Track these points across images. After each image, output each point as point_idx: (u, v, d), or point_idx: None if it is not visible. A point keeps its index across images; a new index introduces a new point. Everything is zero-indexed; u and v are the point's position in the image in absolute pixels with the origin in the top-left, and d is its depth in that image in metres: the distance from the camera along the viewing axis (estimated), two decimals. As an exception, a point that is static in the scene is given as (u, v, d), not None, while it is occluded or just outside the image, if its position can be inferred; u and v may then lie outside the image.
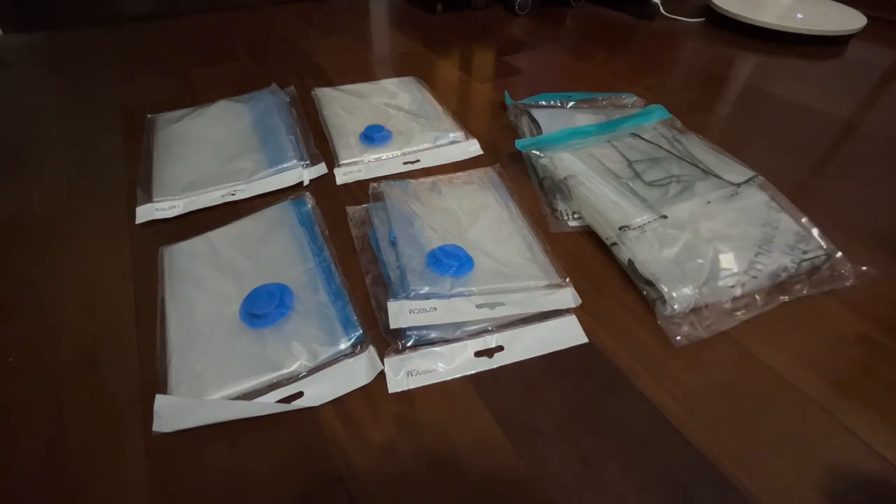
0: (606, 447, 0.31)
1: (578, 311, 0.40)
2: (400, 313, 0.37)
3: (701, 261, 0.40)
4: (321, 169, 0.55)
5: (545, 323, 0.39)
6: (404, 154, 0.58)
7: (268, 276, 0.40)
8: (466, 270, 0.41)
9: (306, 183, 0.53)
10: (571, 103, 0.67)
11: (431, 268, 0.40)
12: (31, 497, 0.29)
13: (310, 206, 0.48)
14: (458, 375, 0.35)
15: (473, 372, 0.36)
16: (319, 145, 0.59)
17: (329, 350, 0.35)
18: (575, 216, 0.49)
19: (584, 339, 0.38)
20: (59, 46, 0.84)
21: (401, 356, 0.36)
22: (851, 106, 0.74)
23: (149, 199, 0.49)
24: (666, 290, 0.39)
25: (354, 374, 0.35)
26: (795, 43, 0.93)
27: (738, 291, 0.40)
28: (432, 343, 0.37)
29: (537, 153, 0.54)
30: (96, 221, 0.48)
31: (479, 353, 0.37)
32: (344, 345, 0.36)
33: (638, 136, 0.57)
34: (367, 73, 0.78)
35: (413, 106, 0.66)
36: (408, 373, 0.35)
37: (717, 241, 0.42)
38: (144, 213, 0.48)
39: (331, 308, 0.38)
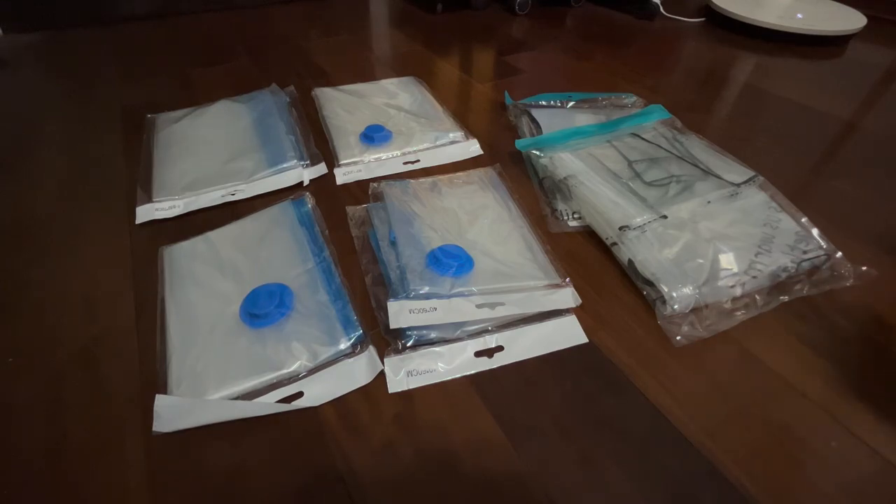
0: (606, 447, 0.31)
1: (578, 311, 0.40)
2: (400, 313, 0.37)
3: (701, 261, 0.40)
4: (321, 169, 0.55)
5: (545, 323, 0.39)
6: (404, 154, 0.58)
7: (268, 276, 0.40)
8: (466, 270, 0.41)
9: (306, 183, 0.53)
10: (571, 103, 0.67)
11: (431, 268, 0.40)
12: (32, 497, 0.29)
13: (310, 206, 0.48)
14: (458, 375, 0.35)
15: (473, 372, 0.36)
16: (319, 145, 0.59)
17: (329, 350, 0.35)
18: (575, 216, 0.49)
19: (584, 339, 0.38)
20: (59, 46, 0.84)
21: (401, 356, 0.36)
22: (851, 106, 0.74)
23: (149, 199, 0.49)
24: (666, 290, 0.39)
25: (354, 374, 0.35)
26: (795, 43, 0.93)
27: (738, 291, 0.40)
28: (432, 343, 0.37)
29: (537, 153, 0.54)
30: (96, 221, 0.48)
31: (479, 353, 0.37)
32: (344, 345, 0.36)
33: (638, 136, 0.57)
34: (367, 73, 0.78)
35: (413, 106, 0.66)
36: (408, 373, 0.35)
37: (717, 241, 0.42)
38: (144, 213, 0.48)
39: (331, 308, 0.38)
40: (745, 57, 0.89)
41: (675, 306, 0.38)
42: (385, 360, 0.36)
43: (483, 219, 0.47)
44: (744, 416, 0.33)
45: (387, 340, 0.37)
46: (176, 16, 0.97)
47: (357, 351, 0.36)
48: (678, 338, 0.38)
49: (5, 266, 0.43)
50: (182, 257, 0.43)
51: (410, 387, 0.34)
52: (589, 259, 0.45)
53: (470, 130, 0.62)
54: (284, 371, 0.34)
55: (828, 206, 0.52)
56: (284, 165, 0.54)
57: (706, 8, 1.05)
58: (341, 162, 0.56)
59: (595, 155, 0.53)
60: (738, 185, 0.48)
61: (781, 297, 0.41)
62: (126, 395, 0.33)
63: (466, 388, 0.35)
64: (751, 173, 0.49)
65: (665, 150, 0.54)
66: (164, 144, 0.57)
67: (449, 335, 0.37)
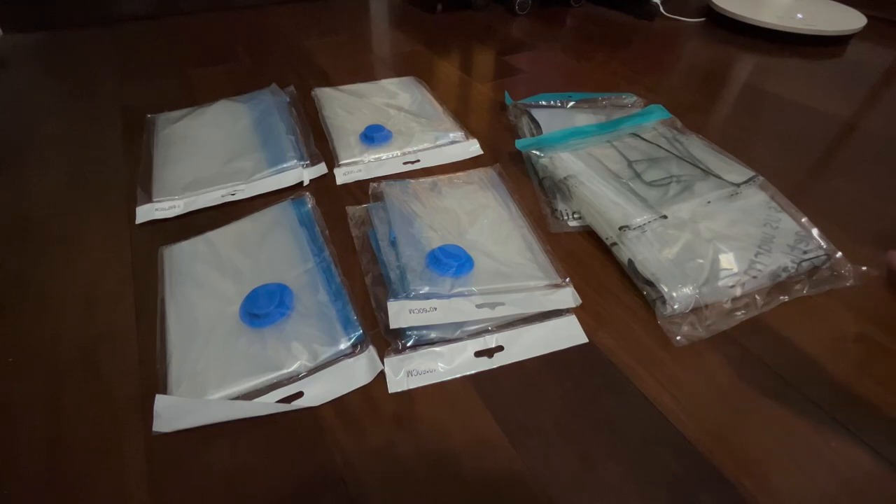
0: (606, 447, 0.31)
1: (578, 311, 0.40)
2: (400, 313, 0.37)
3: (701, 261, 0.41)
4: (321, 169, 0.55)
5: (545, 323, 0.39)
6: (404, 154, 0.58)
7: (268, 276, 0.40)
8: (466, 270, 0.41)
9: (306, 183, 0.53)
10: (571, 103, 0.67)
11: (431, 268, 0.40)
12: (32, 497, 0.29)
13: (310, 206, 0.48)
14: (458, 375, 0.35)
15: (473, 372, 0.36)
16: (319, 145, 0.59)
17: (329, 350, 0.35)
18: (575, 216, 0.49)
19: (584, 339, 0.38)
20: (59, 46, 0.84)
21: (401, 356, 0.36)
22: (851, 106, 0.74)
23: (149, 199, 0.49)
24: (666, 290, 0.39)
25: (354, 374, 0.35)
26: (795, 43, 0.93)
27: (738, 291, 0.40)
28: (432, 343, 0.37)
29: (537, 153, 0.54)
30: (96, 221, 0.48)
31: (479, 353, 0.37)
32: (344, 345, 0.36)
33: (638, 136, 0.57)
34: (367, 73, 0.78)
35: (413, 106, 0.66)
36: (408, 373, 0.35)
37: (717, 241, 0.42)
38: (144, 213, 0.48)
39: (331, 308, 0.38)
40: (745, 57, 0.89)
41: (675, 306, 0.38)
42: (385, 360, 0.36)
43: (483, 219, 0.47)
44: (744, 416, 0.33)
45: (387, 340, 0.37)
46: (176, 16, 0.97)
47: (357, 351, 0.36)
48: (678, 338, 0.38)
49: (5, 266, 0.43)
50: (182, 257, 0.43)
51: (410, 387, 0.34)
52: (589, 259, 0.45)
53: (470, 130, 0.62)
54: (284, 371, 0.34)
55: (828, 206, 0.52)
56: (284, 165, 0.54)
57: (706, 8, 1.05)
58: (341, 162, 0.56)
59: (595, 155, 0.53)
60: (738, 185, 0.48)
61: (781, 298, 0.41)
62: (126, 395, 0.33)
63: (466, 388, 0.35)
64: (751, 173, 0.49)
65: (665, 150, 0.54)
66: (164, 144, 0.57)
67: (449, 335, 0.37)
